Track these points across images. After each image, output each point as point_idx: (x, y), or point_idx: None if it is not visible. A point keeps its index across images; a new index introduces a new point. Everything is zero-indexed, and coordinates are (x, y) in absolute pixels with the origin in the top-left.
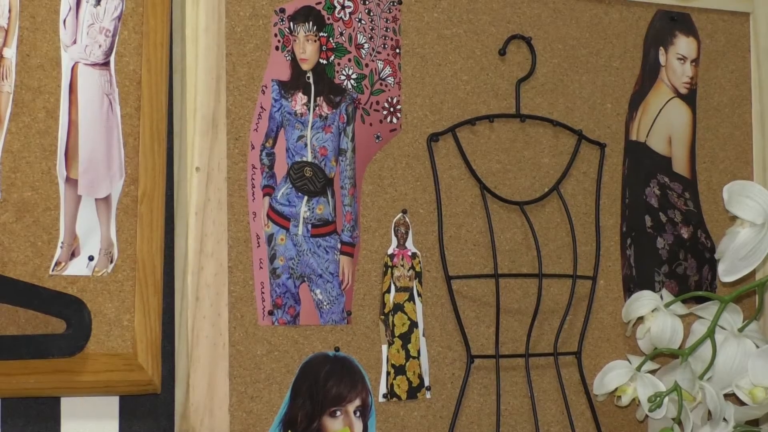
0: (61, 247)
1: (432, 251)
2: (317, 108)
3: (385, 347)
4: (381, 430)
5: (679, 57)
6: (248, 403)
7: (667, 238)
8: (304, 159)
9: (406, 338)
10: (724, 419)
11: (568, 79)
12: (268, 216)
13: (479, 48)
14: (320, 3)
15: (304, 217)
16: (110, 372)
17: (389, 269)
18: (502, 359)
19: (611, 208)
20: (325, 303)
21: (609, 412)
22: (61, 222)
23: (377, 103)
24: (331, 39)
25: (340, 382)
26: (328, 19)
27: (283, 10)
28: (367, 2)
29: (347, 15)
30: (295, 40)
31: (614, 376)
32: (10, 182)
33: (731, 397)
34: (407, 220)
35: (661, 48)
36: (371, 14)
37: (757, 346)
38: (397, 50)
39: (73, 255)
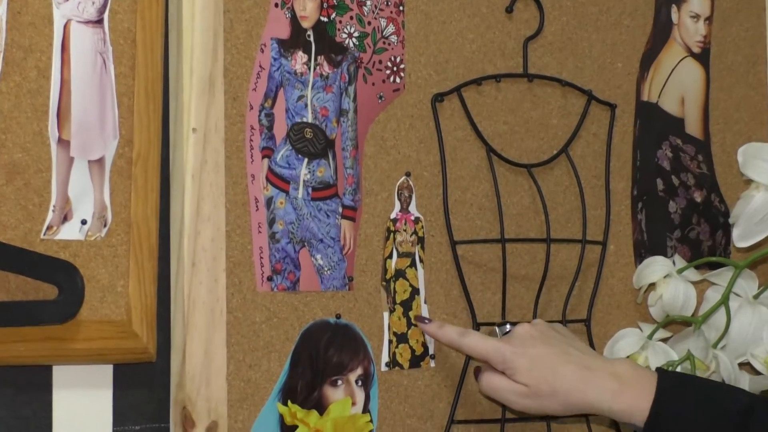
0: (53, 211)
1: (436, 215)
2: (318, 67)
3: (386, 314)
4: (383, 400)
5: (692, 15)
6: (246, 372)
7: (680, 202)
8: (305, 120)
9: (407, 305)
10: None
11: (578, 38)
12: (267, 179)
13: (485, 5)
14: None
15: (304, 180)
16: (104, 339)
17: (391, 234)
18: None
19: (622, 170)
20: (325, 268)
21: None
22: (53, 185)
23: (380, 62)
24: None
25: (341, 351)
26: None
27: None
28: None
29: None
30: None
31: (625, 345)
32: (0, 144)
33: (746, 366)
34: (411, 183)
35: (674, 5)
36: None
37: None
38: (401, 7)
39: (65, 219)
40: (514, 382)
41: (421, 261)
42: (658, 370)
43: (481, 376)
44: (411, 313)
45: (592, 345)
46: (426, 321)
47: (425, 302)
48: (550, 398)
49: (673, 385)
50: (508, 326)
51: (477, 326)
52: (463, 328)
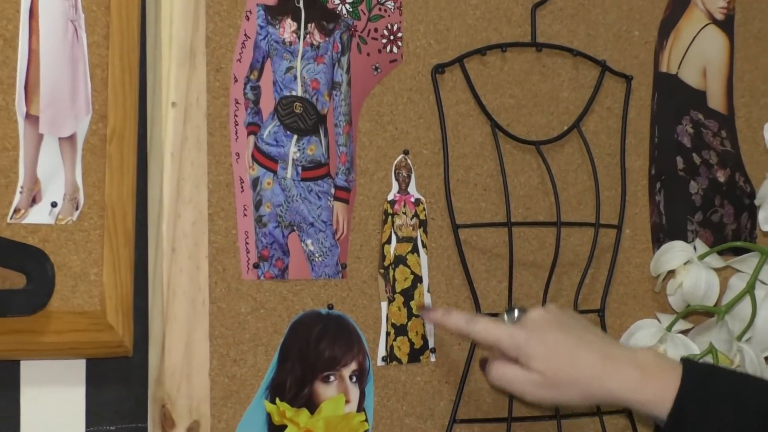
0: (21, 192)
1: (437, 197)
2: (308, 36)
3: (384, 304)
4: (380, 397)
5: None
6: (231, 367)
7: (701, 182)
8: (294, 93)
9: (408, 294)
10: None
11: (590, 4)
12: (253, 157)
13: None
14: None
15: (293, 159)
16: (76, 332)
17: (389, 217)
18: None
19: (638, 148)
20: (317, 255)
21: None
22: (21, 164)
23: (375, 30)
24: None
25: (333, 344)
26: None
27: None
28: None
29: None
30: None
31: (642, 337)
32: None
33: None
34: (409, 162)
35: None
36: None
37: None
38: None
39: (33, 201)
40: (528, 371)
41: (424, 246)
42: (684, 360)
43: (490, 366)
44: (412, 303)
45: None
46: (431, 309)
47: (429, 291)
48: (568, 388)
49: (699, 376)
50: (516, 312)
51: None
52: (471, 314)
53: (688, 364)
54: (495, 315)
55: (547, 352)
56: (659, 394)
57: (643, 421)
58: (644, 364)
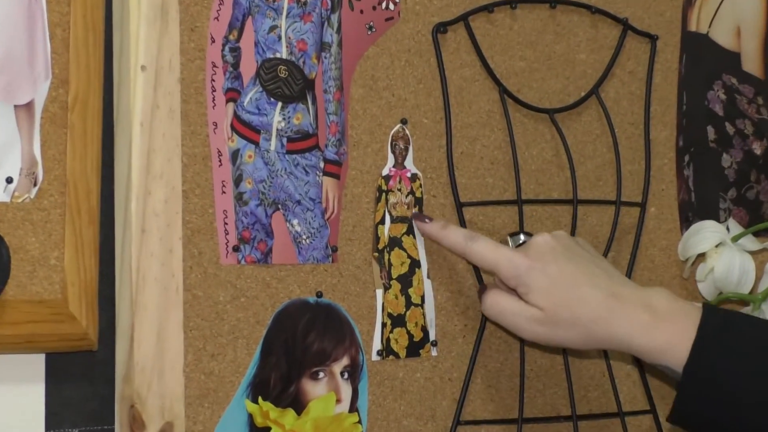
0: None
1: (438, 172)
2: None
3: (379, 292)
4: (375, 396)
5: None
6: (208, 363)
7: (735, 155)
8: (278, 55)
9: (405, 281)
10: None
11: None
12: (232, 127)
13: None
14: None
15: (277, 129)
16: (34, 323)
17: (383, 194)
18: None
19: (664, 117)
20: (304, 236)
21: (660, 374)
22: None
23: None
24: None
25: (323, 336)
26: None
27: None
28: None
29: None
30: None
31: None
32: None
33: None
34: (407, 132)
35: None
36: None
37: None
38: None
39: None
40: (526, 304)
41: None
42: (705, 304)
43: (486, 294)
44: (411, 291)
45: None
46: (426, 220)
47: (428, 277)
48: (568, 328)
49: (720, 323)
50: (522, 236)
51: None
52: (472, 232)
53: (709, 309)
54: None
55: (548, 285)
56: (671, 340)
57: (653, 372)
58: (656, 305)
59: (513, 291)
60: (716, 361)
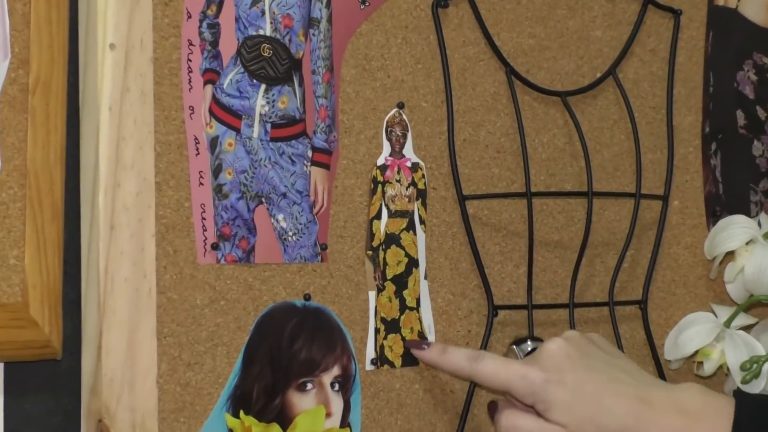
0: None
1: (439, 161)
2: None
3: (372, 294)
4: (368, 410)
5: None
6: (184, 373)
7: None
8: (261, 32)
9: (401, 282)
10: None
11: None
12: (210, 112)
13: None
14: None
15: (260, 114)
16: None
17: (379, 186)
18: (537, 311)
19: (689, 100)
20: (290, 233)
21: None
22: None
23: None
24: None
25: (311, 343)
26: None
27: None
28: None
29: None
30: None
31: (693, 335)
32: None
33: None
34: (405, 117)
35: None
36: None
37: None
38: None
39: None
40: (547, 422)
41: (422, 222)
42: (737, 394)
43: (500, 415)
44: (406, 293)
45: (648, 334)
46: (424, 347)
47: (425, 278)
48: None
49: (754, 413)
50: (529, 343)
51: (494, 311)
52: (475, 350)
53: (742, 398)
54: (512, 308)
55: (569, 399)
56: None
57: None
58: (688, 406)
59: (529, 407)
60: None
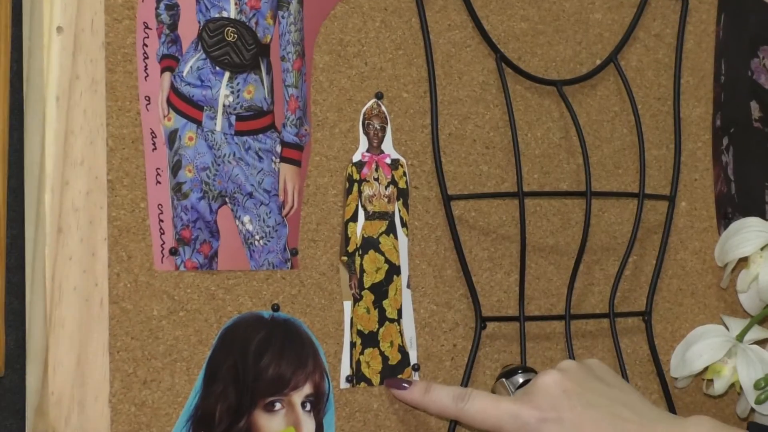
0: None
1: (422, 158)
2: None
3: (348, 304)
4: (343, 431)
5: None
6: (139, 391)
7: None
8: (225, 14)
9: (380, 291)
10: None
11: None
12: (169, 102)
13: None
14: None
15: (224, 105)
16: None
17: (355, 185)
18: (530, 323)
19: (698, 90)
20: (257, 236)
21: (693, 404)
22: None
23: None
24: None
25: (280, 359)
26: None
27: None
28: None
29: None
30: None
31: (703, 350)
32: None
33: None
34: (384, 109)
35: None
36: None
37: None
38: None
39: None
40: None
41: (403, 225)
42: (752, 427)
43: None
44: (386, 303)
45: (652, 349)
46: (404, 385)
47: (408, 286)
48: None
49: None
50: (520, 377)
51: (482, 323)
52: (462, 388)
53: (756, 429)
54: (502, 320)
55: None
56: None
57: None
58: None
59: None
60: None
